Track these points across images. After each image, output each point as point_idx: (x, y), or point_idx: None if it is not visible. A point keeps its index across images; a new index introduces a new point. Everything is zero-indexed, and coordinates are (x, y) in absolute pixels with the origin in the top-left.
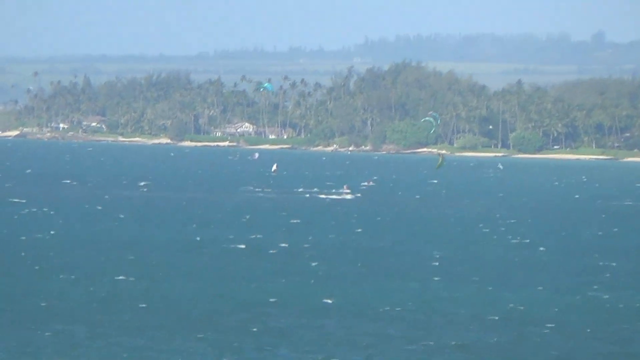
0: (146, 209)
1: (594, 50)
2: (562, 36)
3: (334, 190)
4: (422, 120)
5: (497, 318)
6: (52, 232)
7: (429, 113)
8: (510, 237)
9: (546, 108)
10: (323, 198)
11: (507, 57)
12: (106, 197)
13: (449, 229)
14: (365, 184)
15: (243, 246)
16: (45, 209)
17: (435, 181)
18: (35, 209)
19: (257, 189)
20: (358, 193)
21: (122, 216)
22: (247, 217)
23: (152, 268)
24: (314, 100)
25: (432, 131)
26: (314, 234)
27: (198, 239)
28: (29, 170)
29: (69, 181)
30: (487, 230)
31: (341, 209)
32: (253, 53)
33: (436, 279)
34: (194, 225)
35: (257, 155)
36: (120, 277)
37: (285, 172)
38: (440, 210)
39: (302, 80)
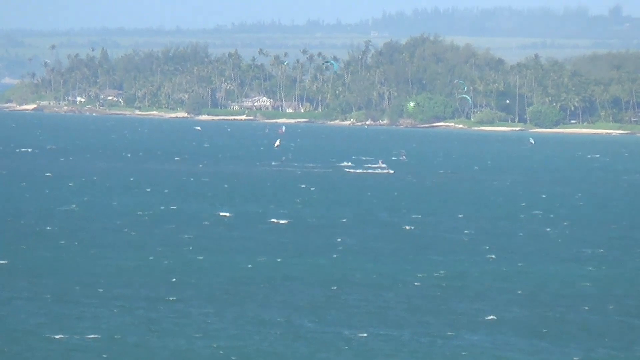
0: (173, 183)
1: (611, 24)
2: (580, 10)
3: (368, 165)
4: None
5: (523, 292)
6: (73, 206)
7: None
8: (537, 212)
9: (563, 82)
10: (359, 173)
11: (525, 31)
12: (133, 171)
13: (476, 204)
14: (395, 159)
15: (274, 220)
16: (70, 184)
17: (455, 155)
18: (60, 183)
19: (291, 162)
20: (392, 168)
21: (148, 190)
22: (273, 191)
23: (179, 242)
24: (331, 74)
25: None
26: (343, 209)
27: (225, 213)
28: (52, 146)
29: (89, 156)
30: (512, 205)
31: (374, 183)
32: (270, 26)
33: (464, 253)
34: (220, 199)
35: (283, 128)
36: (147, 251)
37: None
38: (467, 185)
39: (320, 54)
